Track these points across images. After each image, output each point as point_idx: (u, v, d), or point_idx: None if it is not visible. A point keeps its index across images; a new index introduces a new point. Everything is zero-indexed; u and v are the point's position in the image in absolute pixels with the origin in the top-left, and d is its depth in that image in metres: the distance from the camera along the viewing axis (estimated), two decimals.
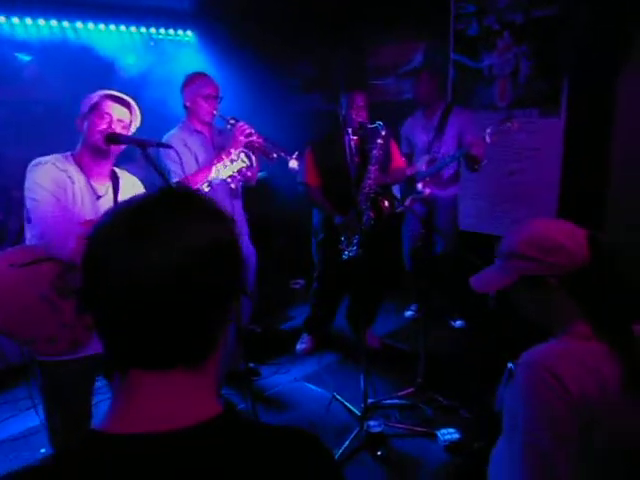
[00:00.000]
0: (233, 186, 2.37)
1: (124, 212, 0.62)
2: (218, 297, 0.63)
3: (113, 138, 1.81)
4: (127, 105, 1.89)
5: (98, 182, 1.90)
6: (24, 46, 3.71)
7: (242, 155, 2.31)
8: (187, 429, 0.59)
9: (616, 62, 3.30)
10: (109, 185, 1.94)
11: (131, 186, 2.03)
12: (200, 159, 2.64)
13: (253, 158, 2.35)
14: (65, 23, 3.92)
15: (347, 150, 3.12)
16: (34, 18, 3.76)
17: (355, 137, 3.15)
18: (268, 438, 0.66)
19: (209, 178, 2.32)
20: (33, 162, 1.81)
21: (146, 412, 0.60)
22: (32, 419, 2.82)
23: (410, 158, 3.63)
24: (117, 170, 2.00)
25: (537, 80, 3.69)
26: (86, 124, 1.84)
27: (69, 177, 1.82)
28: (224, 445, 0.61)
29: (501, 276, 1.18)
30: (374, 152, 3.01)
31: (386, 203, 3.11)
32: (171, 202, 0.63)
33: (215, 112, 2.69)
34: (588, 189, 3.47)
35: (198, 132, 2.74)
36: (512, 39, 3.75)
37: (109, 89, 1.88)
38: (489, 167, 3.42)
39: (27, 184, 1.78)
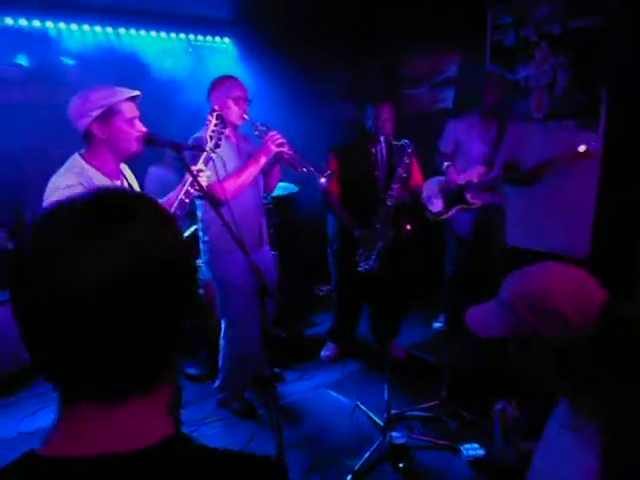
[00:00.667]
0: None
1: (66, 216, 0.56)
2: (167, 312, 0.58)
3: (151, 140, 1.85)
4: (137, 97, 1.88)
5: (117, 178, 1.93)
6: (69, 51, 3.86)
7: (219, 119, 2.11)
8: (126, 454, 0.56)
9: None
10: (123, 179, 1.98)
11: (132, 174, 2.08)
12: (228, 165, 2.50)
13: (226, 122, 2.16)
14: (109, 29, 4.06)
15: (379, 161, 3.11)
16: (79, 24, 3.90)
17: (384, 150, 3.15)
18: (220, 463, 0.62)
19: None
20: (51, 184, 1.76)
21: (87, 435, 0.57)
22: None
23: (449, 159, 3.48)
24: None
25: (575, 92, 3.62)
26: (110, 131, 1.81)
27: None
28: (164, 471, 0.57)
29: (496, 324, 1.04)
30: (399, 171, 2.98)
31: (408, 227, 3.05)
32: (119, 208, 0.57)
33: (246, 115, 2.58)
34: (626, 202, 3.37)
35: (226, 137, 2.56)
36: (550, 50, 3.70)
37: (134, 89, 1.87)
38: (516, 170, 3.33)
39: (48, 202, 1.73)
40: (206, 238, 2.66)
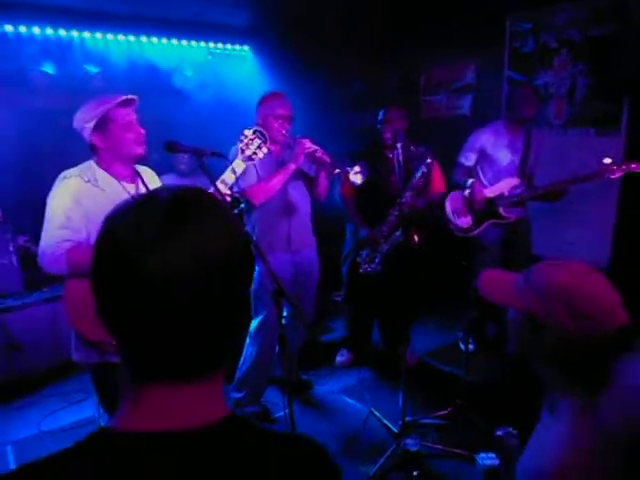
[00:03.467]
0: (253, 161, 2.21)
1: (148, 211, 0.60)
2: (238, 302, 0.63)
3: (173, 147, 1.89)
4: (132, 102, 1.91)
5: (128, 182, 1.97)
6: (93, 59, 3.95)
7: (256, 135, 2.20)
8: (193, 430, 0.60)
9: None
10: (138, 182, 2.01)
11: (152, 178, 2.12)
12: (261, 173, 2.68)
13: (266, 134, 2.24)
14: (131, 37, 4.15)
15: (395, 166, 3.12)
16: (103, 33, 4.00)
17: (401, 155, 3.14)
18: (275, 443, 0.66)
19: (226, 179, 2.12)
20: (61, 175, 1.87)
21: (153, 412, 0.61)
22: (81, 411, 2.97)
23: (470, 172, 3.37)
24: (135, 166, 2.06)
25: (594, 99, 3.59)
26: (108, 140, 1.85)
27: (97, 187, 1.86)
28: (229, 447, 0.62)
29: (517, 297, 1.05)
30: (416, 178, 2.99)
31: (416, 238, 3.04)
32: (196, 203, 0.62)
33: (285, 132, 2.70)
34: None
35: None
36: (569, 57, 3.67)
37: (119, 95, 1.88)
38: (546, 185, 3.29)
39: (50, 195, 1.85)
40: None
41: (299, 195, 2.87)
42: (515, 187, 3.23)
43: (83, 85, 3.81)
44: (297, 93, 4.23)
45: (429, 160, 2.96)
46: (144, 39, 4.23)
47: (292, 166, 2.63)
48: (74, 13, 3.77)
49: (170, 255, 0.56)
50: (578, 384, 0.98)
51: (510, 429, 1.35)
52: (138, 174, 2.03)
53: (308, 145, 2.61)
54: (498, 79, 4.05)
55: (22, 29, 3.66)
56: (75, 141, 3.38)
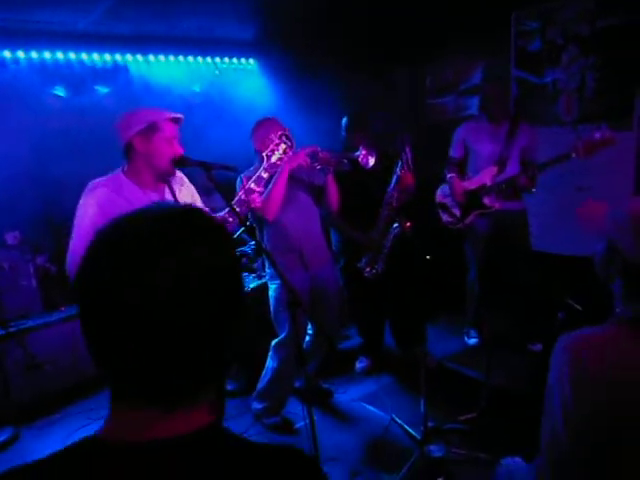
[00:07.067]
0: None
1: (122, 235, 0.61)
2: (215, 326, 0.61)
3: (181, 161, 1.91)
4: (179, 121, 1.97)
5: (154, 190, 2.00)
6: (102, 79, 4.02)
7: (282, 139, 2.17)
8: (174, 439, 0.60)
9: None
10: (164, 191, 2.03)
11: (184, 185, 2.14)
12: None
13: (293, 140, 2.21)
14: (139, 57, 4.21)
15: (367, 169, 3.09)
16: (111, 54, 4.07)
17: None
18: (261, 455, 0.65)
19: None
20: (90, 185, 1.92)
21: (137, 426, 0.61)
22: None
23: (461, 164, 3.45)
24: None
25: (606, 93, 3.54)
26: (149, 146, 1.90)
27: (123, 197, 1.90)
28: (210, 456, 0.61)
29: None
30: (397, 172, 2.97)
31: (408, 224, 3.02)
32: (173, 224, 0.62)
33: None
34: None
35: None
36: (579, 51, 3.63)
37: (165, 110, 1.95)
38: (555, 181, 3.27)
39: (79, 204, 1.90)
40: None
41: (308, 213, 2.82)
42: (495, 175, 3.25)
43: (93, 105, 3.86)
44: (304, 102, 4.27)
45: (408, 156, 2.92)
46: (151, 58, 4.29)
47: (286, 166, 2.50)
48: (81, 36, 3.84)
49: (145, 282, 0.57)
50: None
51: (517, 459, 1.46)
52: (166, 182, 2.05)
53: (306, 151, 2.55)
54: (507, 79, 4.02)
55: (33, 55, 3.74)
56: (89, 159, 3.44)
